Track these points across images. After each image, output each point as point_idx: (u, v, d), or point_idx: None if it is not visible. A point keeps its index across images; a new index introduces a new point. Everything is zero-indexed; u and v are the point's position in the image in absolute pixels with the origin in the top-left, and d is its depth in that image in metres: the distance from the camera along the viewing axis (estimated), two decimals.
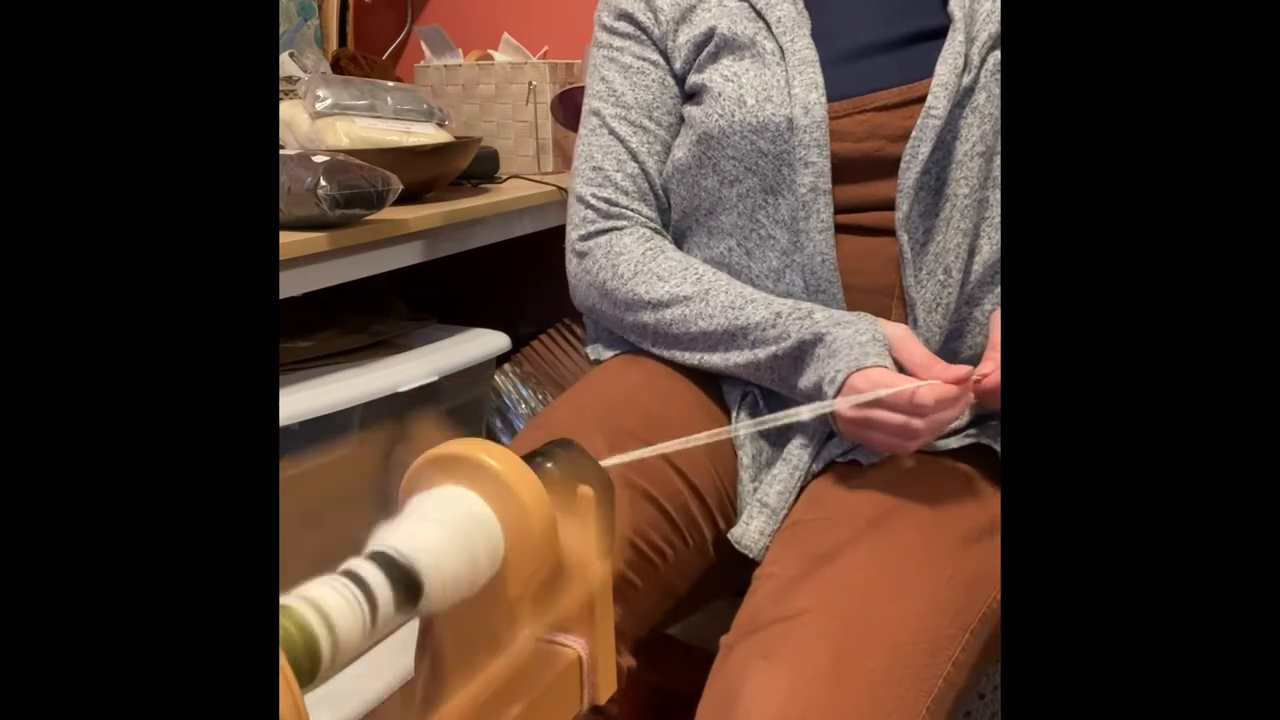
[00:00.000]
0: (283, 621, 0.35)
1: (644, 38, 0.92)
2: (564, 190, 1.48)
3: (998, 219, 0.83)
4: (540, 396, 1.66)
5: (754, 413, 0.86)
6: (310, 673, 0.35)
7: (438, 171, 1.34)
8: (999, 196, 0.83)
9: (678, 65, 0.91)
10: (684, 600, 0.83)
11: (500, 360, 1.50)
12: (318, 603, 0.36)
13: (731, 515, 0.84)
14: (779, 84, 0.84)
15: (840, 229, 0.83)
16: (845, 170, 0.82)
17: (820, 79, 0.83)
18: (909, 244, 0.81)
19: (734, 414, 0.87)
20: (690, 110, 0.90)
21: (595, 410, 0.85)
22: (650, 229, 0.92)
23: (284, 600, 0.35)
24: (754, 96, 0.84)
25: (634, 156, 0.92)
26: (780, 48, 0.85)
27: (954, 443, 0.83)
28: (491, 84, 1.62)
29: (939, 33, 0.84)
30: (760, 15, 0.87)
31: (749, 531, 0.81)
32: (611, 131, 0.92)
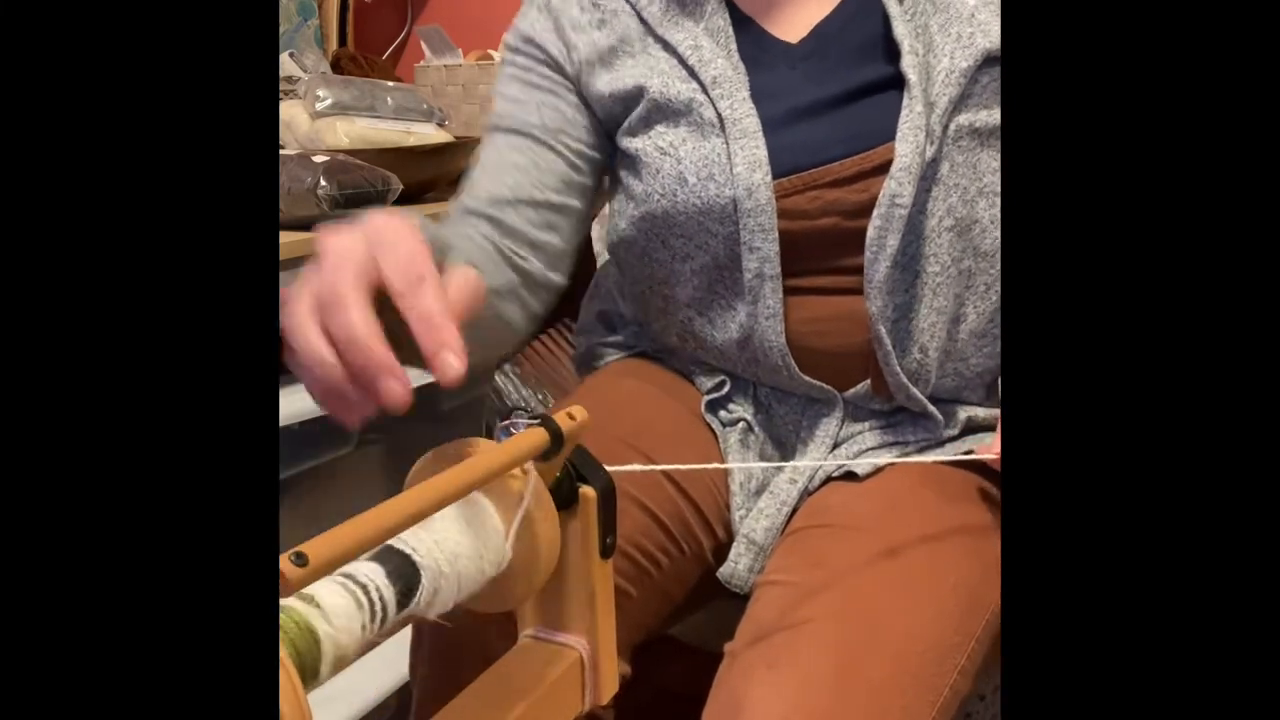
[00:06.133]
0: (284, 620, 0.34)
1: (555, 64, 0.85)
2: None
3: (983, 287, 0.79)
4: (540, 397, 1.65)
5: (744, 438, 0.85)
6: (312, 672, 0.35)
7: (438, 171, 1.33)
8: (985, 265, 0.78)
9: (600, 115, 0.84)
10: (681, 606, 0.83)
11: (501, 360, 1.50)
12: (319, 602, 0.36)
13: (729, 522, 0.83)
14: (719, 159, 0.77)
15: (802, 291, 0.79)
16: (801, 248, 0.78)
17: (763, 153, 0.76)
18: (887, 335, 0.77)
19: (721, 439, 0.86)
20: (629, 181, 0.84)
21: (590, 417, 0.84)
22: (492, 240, 0.81)
23: (285, 600, 0.35)
24: (694, 174, 0.78)
25: (519, 188, 0.83)
26: (719, 114, 0.78)
27: (949, 453, 0.83)
28: (491, 84, 1.62)
29: (887, 84, 0.77)
30: (694, 74, 0.79)
31: (738, 570, 0.80)
32: (502, 152, 0.84)
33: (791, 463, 0.74)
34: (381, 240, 0.47)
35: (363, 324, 0.44)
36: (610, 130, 0.85)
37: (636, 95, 0.81)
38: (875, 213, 0.74)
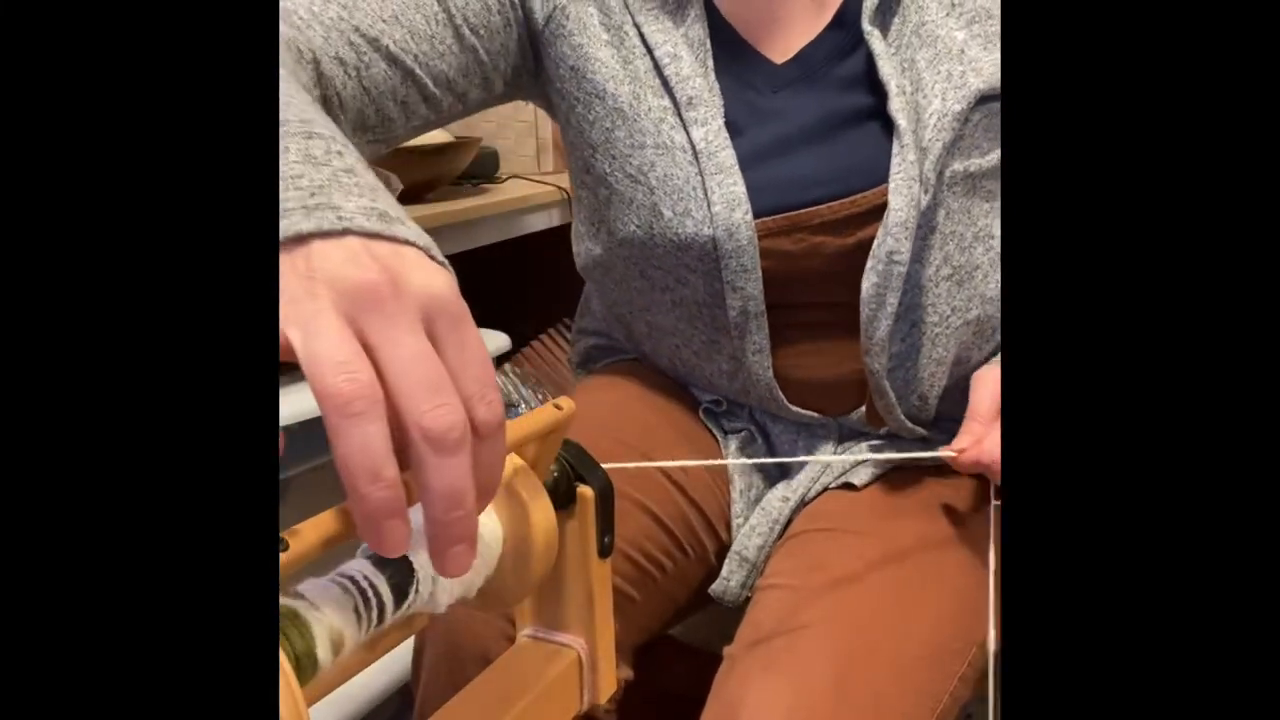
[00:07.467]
0: (281, 621, 0.34)
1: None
2: (564, 190, 1.48)
3: (990, 331, 0.77)
4: (540, 396, 1.66)
5: (744, 447, 0.84)
6: (310, 659, 0.35)
7: (438, 171, 1.34)
8: (993, 310, 0.76)
9: (550, 74, 0.77)
10: (684, 608, 0.83)
11: (500, 360, 1.50)
12: (300, 593, 0.36)
13: (731, 524, 0.83)
14: (695, 194, 0.72)
15: (789, 325, 0.77)
16: (784, 286, 0.74)
17: (742, 190, 0.71)
18: (891, 390, 0.75)
19: (722, 445, 0.85)
20: (595, 205, 0.80)
21: (590, 419, 0.83)
22: (356, 75, 0.67)
23: (282, 600, 0.35)
24: (670, 208, 0.73)
25: (405, 50, 0.69)
26: (691, 144, 0.72)
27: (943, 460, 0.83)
28: None
29: (872, 115, 0.73)
30: (668, 88, 0.73)
31: (730, 587, 0.80)
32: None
33: (784, 459, 0.74)
34: (457, 330, 0.34)
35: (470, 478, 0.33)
36: (540, 78, 0.79)
37: (596, 92, 0.75)
38: (871, 267, 0.71)
